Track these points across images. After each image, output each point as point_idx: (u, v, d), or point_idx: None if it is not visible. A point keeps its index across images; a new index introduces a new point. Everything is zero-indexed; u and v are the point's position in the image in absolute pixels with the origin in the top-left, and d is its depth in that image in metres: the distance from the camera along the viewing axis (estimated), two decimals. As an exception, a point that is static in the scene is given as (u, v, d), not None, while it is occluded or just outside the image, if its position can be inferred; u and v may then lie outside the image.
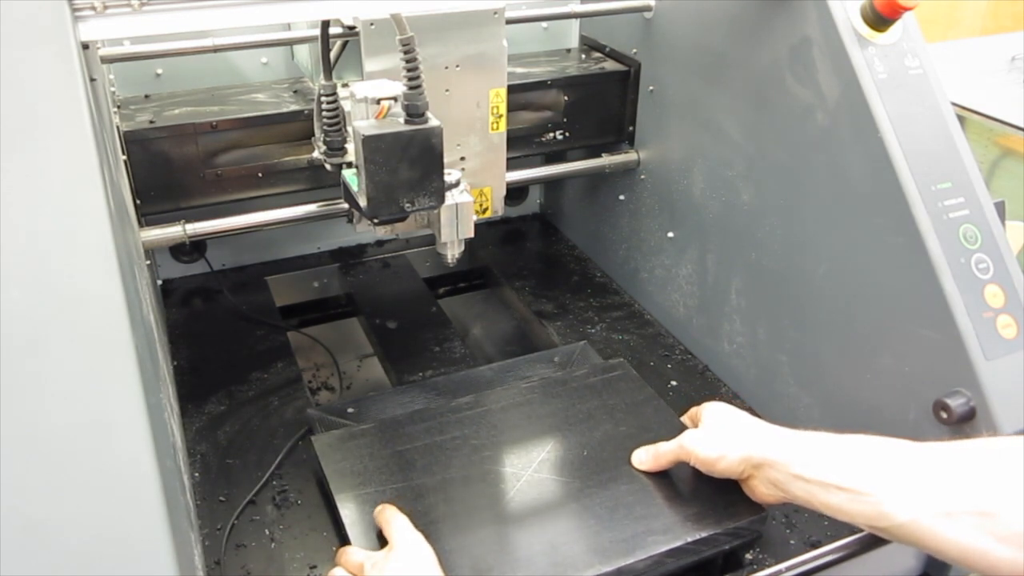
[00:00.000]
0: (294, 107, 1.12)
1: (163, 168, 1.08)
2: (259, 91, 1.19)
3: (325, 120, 0.97)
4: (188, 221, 1.09)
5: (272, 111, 1.11)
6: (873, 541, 0.84)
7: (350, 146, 0.97)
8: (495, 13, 1.00)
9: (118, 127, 1.03)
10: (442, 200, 0.91)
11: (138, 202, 1.08)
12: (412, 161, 0.87)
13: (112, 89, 1.15)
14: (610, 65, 1.30)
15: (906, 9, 0.88)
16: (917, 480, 0.69)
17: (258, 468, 0.99)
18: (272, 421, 1.07)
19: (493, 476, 0.89)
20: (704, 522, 0.83)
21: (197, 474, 0.98)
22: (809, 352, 1.02)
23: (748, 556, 0.88)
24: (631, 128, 1.30)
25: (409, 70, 0.86)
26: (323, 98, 0.97)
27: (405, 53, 0.86)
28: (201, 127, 1.08)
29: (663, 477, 0.89)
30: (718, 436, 0.84)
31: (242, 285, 1.37)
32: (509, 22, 1.02)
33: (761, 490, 0.82)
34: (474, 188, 1.08)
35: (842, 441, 0.76)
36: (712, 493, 0.86)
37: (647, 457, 0.90)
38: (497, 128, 1.07)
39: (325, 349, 1.36)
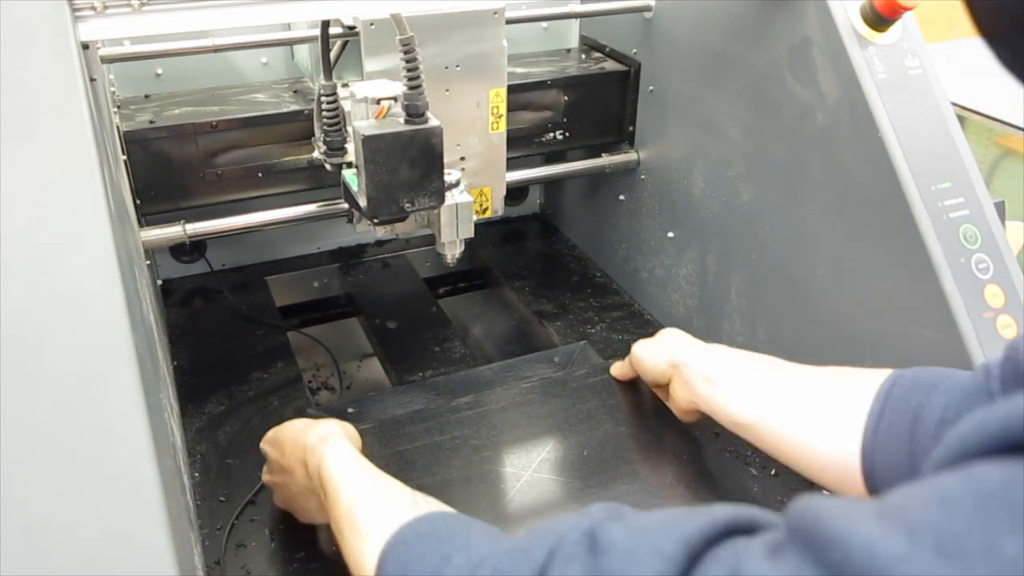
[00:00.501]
0: (294, 107, 1.12)
1: (163, 168, 1.08)
2: (259, 91, 1.19)
3: (325, 120, 0.97)
4: (188, 221, 1.09)
5: (272, 111, 1.11)
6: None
7: (350, 146, 0.97)
8: (495, 13, 1.00)
9: (118, 127, 1.03)
10: (442, 200, 0.91)
11: (138, 202, 1.08)
12: (412, 161, 0.87)
13: (112, 89, 1.15)
14: (610, 65, 1.30)
15: (906, 9, 0.88)
16: (781, 383, 0.78)
17: (258, 468, 0.98)
18: (272, 421, 1.06)
19: (493, 476, 0.89)
20: (704, 522, 0.83)
21: (197, 474, 0.98)
22: (809, 352, 1.02)
23: (748, 556, 0.88)
24: (631, 128, 1.30)
25: (409, 70, 0.86)
26: (323, 98, 0.97)
27: (405, 53, 0.86)
28: (201, 127, 1.08)
29: (663, 477, 0.89)
30: (655, 344, 0.93)
31: (242, 285, 1.37)
32: (509, 22, 1.02)
33: (679, 395, 0.88)
34: (474, 188, 1.08)
35: (746, 354, 0.85)
36: (713, 494, 0.87)
37: (617, 366, 1.01)
38: (497, 128, 1.07)
39: (325, 349, 1.36)
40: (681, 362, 0.88)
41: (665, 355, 0.91)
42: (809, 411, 0.74)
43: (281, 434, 0.84)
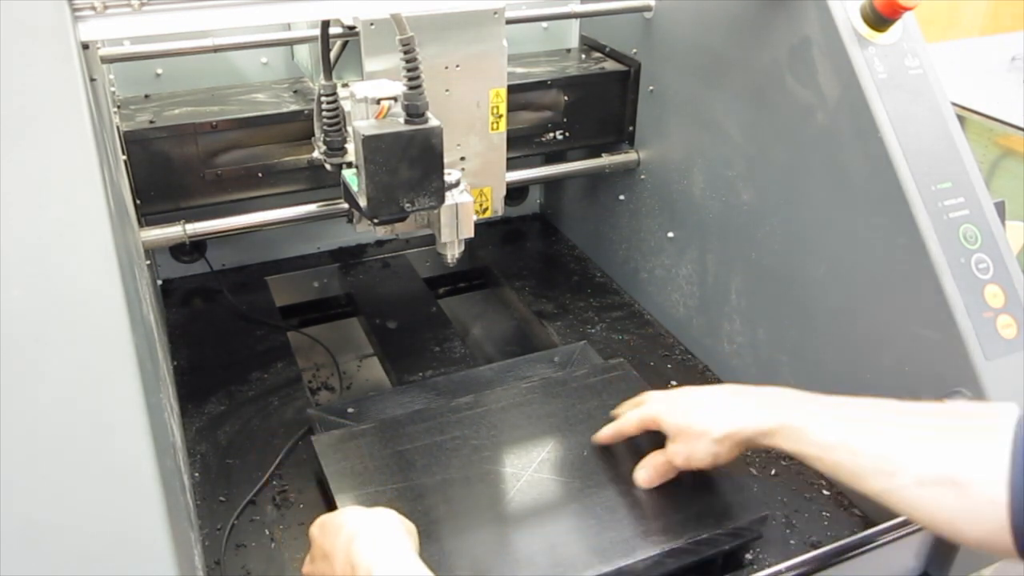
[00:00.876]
0: (294, 107, 1.12)
1: (163, 168, 1.08)
2: (259, 91, 1.19)
3: (325, 120, 0.97)
4: (188, 221, 1.09)
5: (272, 111, 1.11)
6: (872, 540, 0.84)
7: (350, 146, 0.97)
8: (495, 13, 1.00)
9: (118, 127, 1.03)
10: (442, 200, 0.91)
11: (138, 202, 1.08)
12: (412, 161, 0.87)
13: (112, 89, 1.15)
14: (610, 65, 1.30)
15: (906, 9, 0.88)
16: (896, 447, 0.69)
17: (258, 468, 0.99)
18: (272, 421, 1.07)
19: (493, 476, 0.89)
20: (704, 522, 0.83)
21: (197, 474, 0.98)
22: (809, 352, 1.02)
23: (748, 556, 0.88)
24: (631, 128, 1.30)
25: (409, 70, 0.86)
26: (323, 98, 0.97)
27: (405, 53, 0.86)
28: (201, 127, 1.08)
29: (663, 477, 0.89)
30: (700, 442, 0.82)
31: (242, 285, 1.37)
32: (509, 22, 1.02)
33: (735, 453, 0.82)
34: (474, 188, 1.08)
35: (833, 402, 0.76)
36: (712, 493, 0.87)
37: (643, 476, 0.88)
38: (497, 128, 1.07)
39: (325, 349, 1.36)
40: (758, 436, 0.79)
41: (729, 446, 0.81)
42: (934, 485, 0.66)
43: (332, 520, 0.77)
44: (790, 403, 0.79)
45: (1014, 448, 0.63)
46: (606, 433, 0.92)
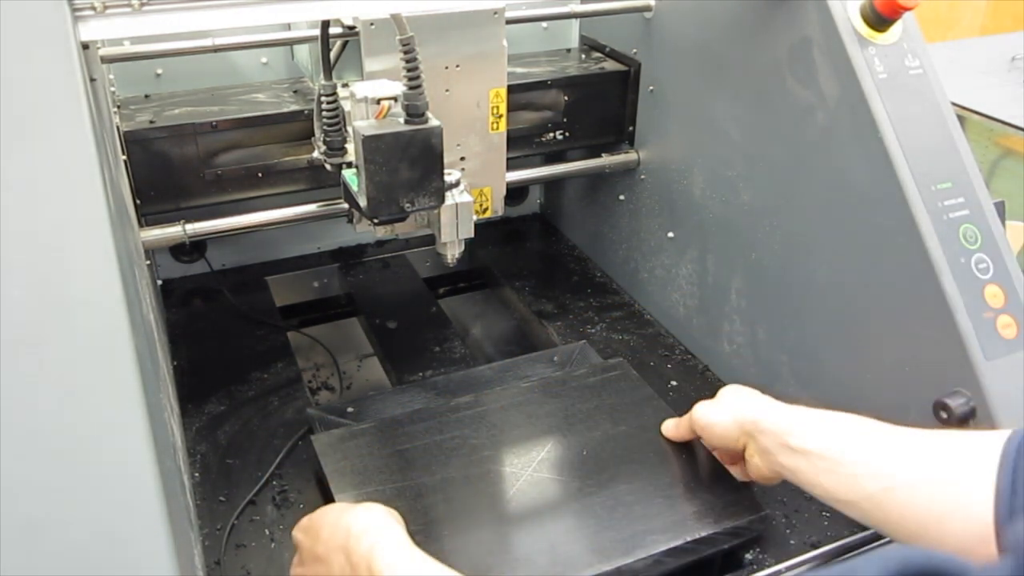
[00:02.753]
0: (294, 107, 1.12)
1: (163, 168, 1.08)
2: (259, 91, 1.19)
3: (325, 120, 0.97)
4: (188, 221, 1.09)
5: (272, 111, 1.11)
6: (872, 540, 0.84)
7: (350, 146, 0.97)
8: (495, 13, 1.00)
9: (118, 127, 1.03)
10: (442, 200, 0.91)
11: (138, 202, 1.08)
12: (412, 161, 0.87)
13: (112, 89, 1.15)
14: (610, 65, 1.30)
15: (906, 9, 0.88)
16: (892, 453, 0.70)
17: (258, 468, 0.99)
18: (272, 421, 1.07)
19: (493, 476, 0.89)
20: (704, 522, 0.83)
21: (197, 474, 0.98)
22: (809, 352, 1.02)
23: (748, 556, 0.88)
24: (631, 128, 1.30)
25: (409, 70, 0.86)
26: (323, 98, 0.97)
27: (405, 53, 0.86)
28: (201, 127, 1.08)
29: (663, 477, 0.89)
30: (719, 404, 0.87)
31: (242, 285, 1.37)
32: (509, 22, 1.02)
33: (756, 462, 0.82)
34: (474, 188, 1.08)
35: (831, 415, 0.77)
36: (712, 493, 0.87)
37: (671, 425, 0.94)
38: (497, 128, 1.07)
39: (325, 349, 1.36)
40: (752, 427, 0.81)
41: (729, 415, 0.84)
42: (925, 485, 0.67)
43: (317, 520, 0.77)
44: (794, 408, 0.80)
45: (1004, 450, 0.63)
46: (670, 429, 0.95)
